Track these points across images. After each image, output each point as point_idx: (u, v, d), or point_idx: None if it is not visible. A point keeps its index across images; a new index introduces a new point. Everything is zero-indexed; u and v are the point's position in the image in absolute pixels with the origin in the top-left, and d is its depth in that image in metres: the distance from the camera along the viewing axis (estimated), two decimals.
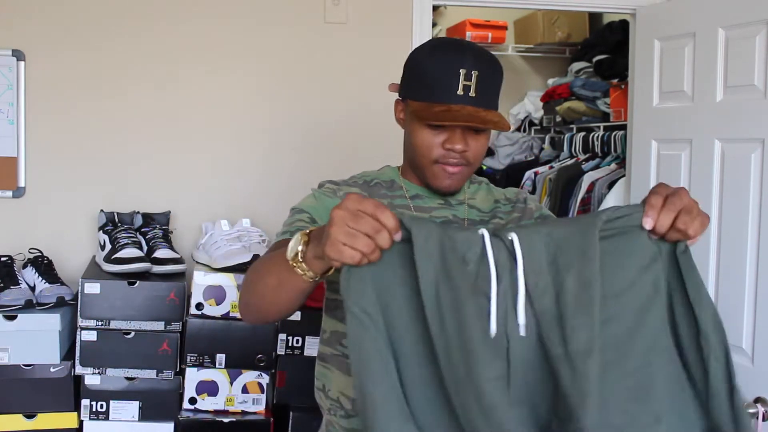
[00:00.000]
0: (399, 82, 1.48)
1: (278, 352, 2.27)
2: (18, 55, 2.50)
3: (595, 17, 3.96)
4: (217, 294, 2.24)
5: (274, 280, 1.17)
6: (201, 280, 2.24)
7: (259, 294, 1.22)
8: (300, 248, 1.10)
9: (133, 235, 2.35)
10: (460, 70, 1.35)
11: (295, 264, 1.10)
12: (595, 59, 3.61)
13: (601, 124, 3.52)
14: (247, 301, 1.27)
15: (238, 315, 2.25)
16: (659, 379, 1.02)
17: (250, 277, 1.27)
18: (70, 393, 2.21)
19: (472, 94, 1.35)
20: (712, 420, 1.03)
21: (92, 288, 2.19)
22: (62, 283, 2.28)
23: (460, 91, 1.35)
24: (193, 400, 2.24)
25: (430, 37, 2.72)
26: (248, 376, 2.26)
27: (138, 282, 2.21)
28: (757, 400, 2.08)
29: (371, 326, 1.00)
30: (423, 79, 1.38)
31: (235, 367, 2.25)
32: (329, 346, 1.46)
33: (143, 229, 2.42)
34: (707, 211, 2.28)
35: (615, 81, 3.42)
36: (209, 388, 2.25)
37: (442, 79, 1.36)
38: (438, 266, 1.00)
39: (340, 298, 1.38)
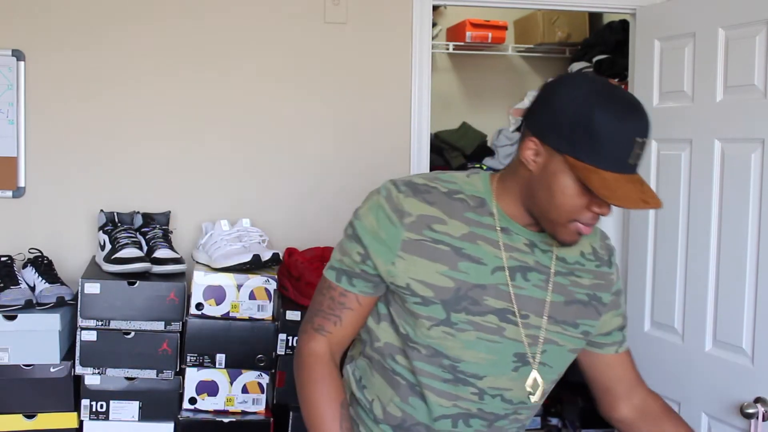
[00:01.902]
0: (532, 113, 1.34)
1: (278, 352, 2.27)
2: (18, 55, 2.50)
3: (595, 17, 3.96)
4: (217, 294, 2.24)
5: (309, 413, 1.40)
6: (201, 280, 2.24)
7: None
8: None
9: (133, 235, 2.35)
10: (637, 139, 1.23)
11: None
12: (595, 59, 3.60)
13: None
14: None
15: (238, 315, 2.25)
16: None
17: (299, 379, 1.43)
18: (70, 393, 2.21)
19: (637, 162, 1.26)
20: None
21: (92, 288, 2.19)
22: (62, 283, 2.28)
23: (631, 161, 1.24)
24: (193, 400, 2.24)
25: (430, 37, 2.72)
26: (248, 376, 2.26)
27: (138, 282, 2.21)
28: (757, 400, 2.08)
29: None
30: (595, 139, 1.22)
31: (235, 367, 2.25)
32: (379, 354, 1.44)
33: (143, 229, 2.42)
34: (707, 211, 2.29)
35: (615, 81, 3.42)
36: (209, 388, 2.25)
37: (618, 147, 1.23)
38: None
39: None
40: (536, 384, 1.42)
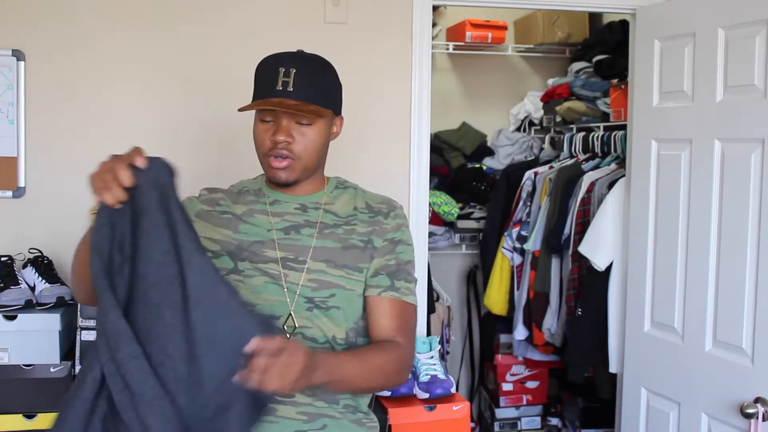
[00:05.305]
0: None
1: None
2: (18, 55, 2.50)
3: (595, 17, 3.96)
4: None
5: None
6: None
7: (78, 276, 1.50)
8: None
9: None
10: (279, 69, 1.55)
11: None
12: (595, 59, 3.60)
13: (601, 124, 3.52)
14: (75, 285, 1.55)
15: None
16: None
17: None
18: None
19: (290, 88, 1.54)
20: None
21: None
22: (62, 283, 2.28)
23: (279, 87, 1.54)
24: None
25: (430, 37, 2.72)
26: None
27: None
28: (757, 400, 2.09)
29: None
30: (254, 84, 1.61)
31: None
32: None
33: None
34: (707, 211, 2.29)
35: (615, 81, 3.42)
36: None
37: (264, 78, 1.58)
38: None
39: None
40: (331, 325, 1.57)
